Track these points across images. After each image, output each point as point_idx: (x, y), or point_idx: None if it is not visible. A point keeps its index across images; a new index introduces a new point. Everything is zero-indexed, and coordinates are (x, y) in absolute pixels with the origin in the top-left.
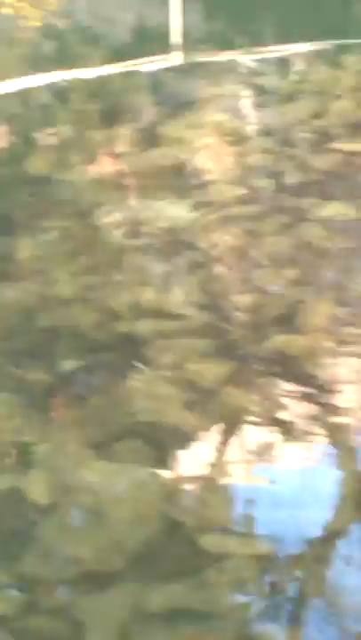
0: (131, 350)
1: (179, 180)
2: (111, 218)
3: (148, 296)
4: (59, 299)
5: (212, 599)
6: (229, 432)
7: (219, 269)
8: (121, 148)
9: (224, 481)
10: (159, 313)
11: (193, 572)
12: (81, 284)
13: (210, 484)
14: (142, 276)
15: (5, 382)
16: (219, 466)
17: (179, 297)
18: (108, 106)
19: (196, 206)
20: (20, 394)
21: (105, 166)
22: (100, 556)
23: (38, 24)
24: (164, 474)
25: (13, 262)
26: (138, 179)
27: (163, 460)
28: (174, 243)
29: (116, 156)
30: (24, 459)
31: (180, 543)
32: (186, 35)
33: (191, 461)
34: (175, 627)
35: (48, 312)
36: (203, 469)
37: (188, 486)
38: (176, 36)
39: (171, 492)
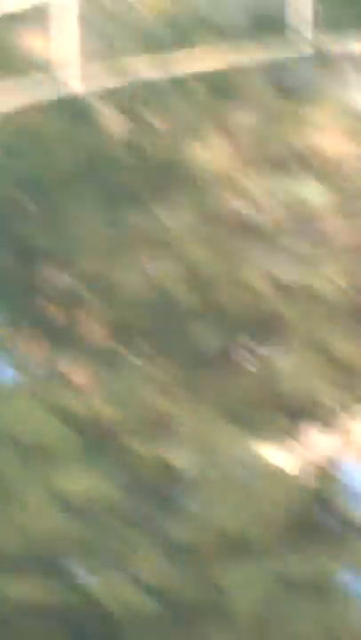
0: (274, 328)
1: (305, 163)
2: (244, 197)
3: (292, 276)
4: (200, 277)
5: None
6: None
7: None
8: (244, 133)
9: None
10: (302, 293)
11: (339, 544)
12: (221, 263)
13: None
14: (284, 257)
15: (151, 360)
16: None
17: (323, 278)
18: (225, 95)
19: (329, 189)
20: (165, 369)
21: (231, 149)
22: (244, 527)
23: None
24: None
25: (143, 236)
26: (266, 162)
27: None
28: (307, 224)
29: (241, 141)
30: (169, 430)
31: (325, 515)
32: (310, 19)
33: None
34: (321, 598)
35: (189, 290)
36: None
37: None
38: (299, 19)
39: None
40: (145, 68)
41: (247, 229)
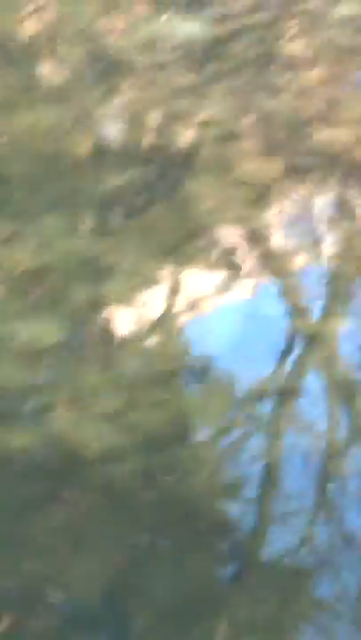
0: (179, 161)
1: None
2: (127, 37)
3: (183, 107)
4: (94, 118)
5: None
6: None
7: (245, 76)
8: None
9: None
10: (198, 122)
11: None
12: (114, 104)
13: None
14: (172, 90)
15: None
16: None
17: (214, 105)
18: None
19: (208, 20)
20: (78, 209)
21: None
22: None
23: None
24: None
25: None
26: None
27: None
28: (194, 56)
29: None
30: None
31: None
32: None
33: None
34: None
35: (85, 131)
36: None
37: None
38: None
39: None
40: None
41: (130, 67)
